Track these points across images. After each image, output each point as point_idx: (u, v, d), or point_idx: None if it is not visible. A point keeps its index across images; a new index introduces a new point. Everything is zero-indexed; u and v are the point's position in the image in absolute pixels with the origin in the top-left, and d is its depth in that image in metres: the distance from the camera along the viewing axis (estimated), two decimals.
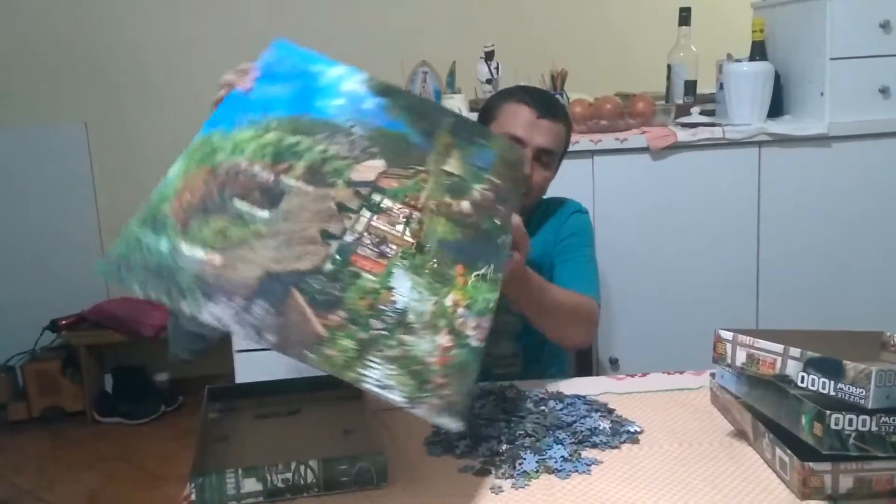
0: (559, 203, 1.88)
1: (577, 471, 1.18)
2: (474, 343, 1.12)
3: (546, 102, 1.74)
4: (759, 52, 2.60)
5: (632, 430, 1.30)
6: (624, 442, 1.27)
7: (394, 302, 1.14)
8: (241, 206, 1.20)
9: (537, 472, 1.18)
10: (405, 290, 1.15)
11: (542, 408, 1.38)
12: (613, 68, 3.56)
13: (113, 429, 3.57)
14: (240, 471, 1.14)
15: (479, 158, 1.39)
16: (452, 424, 1.03)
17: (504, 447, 1.25)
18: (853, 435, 1.07)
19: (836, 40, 2.52)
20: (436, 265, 1.19)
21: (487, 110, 1.80)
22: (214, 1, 3.70)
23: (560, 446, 1.24)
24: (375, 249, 1.19)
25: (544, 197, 1.81)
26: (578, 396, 1.44)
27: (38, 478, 3.18)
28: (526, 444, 1.25)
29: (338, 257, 1.16)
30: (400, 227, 1.23)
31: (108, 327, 3.59)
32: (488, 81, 2.68)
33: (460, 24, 3.66)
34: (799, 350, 1.13)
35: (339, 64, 1.47)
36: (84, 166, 3.75)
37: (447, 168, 1.34)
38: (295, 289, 1.11)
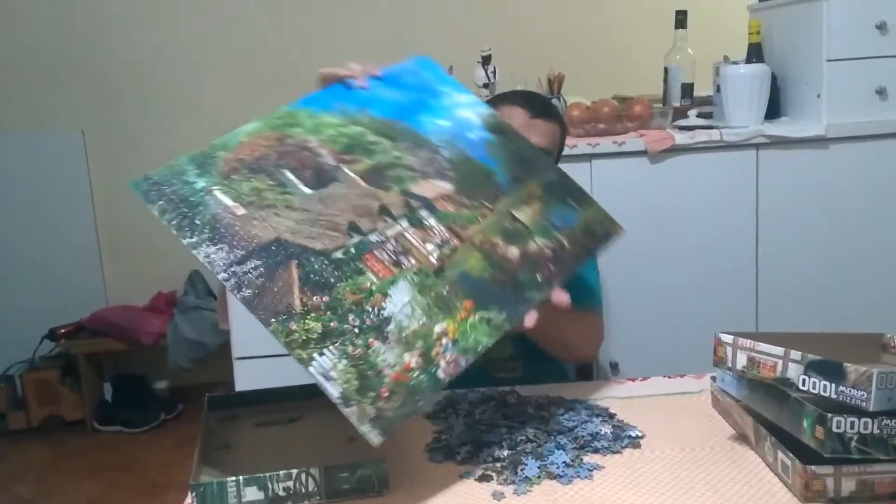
0: None
1: (579, 476, 1.18)
2: (440, 375, 1.10)
3: (540, 104, 1.77)
4: (755, 54, 2.60)
5: (633, 434, 1.30)
6: (626, 447, 1.27)
7: (382, 308, 1.13)
8: (288, 175, 1.23)
9: (539, 477, 1.18)
10: (399, 301, 1.14)
11: (544, 413, 1.38)
12: (610, 71, 3.57)
13: (113, 437, 3.57)
14: (241, 479, 1.13)
15: (559, 217, 1.35)
16: (374, 438, 1.02)
17: (505, 453, 1.25)
18: (855, 438, 1.06)
19: (833, 42, 2.52)
20: (445, 292, 1.17)
21: None
22: (212, 7, 3.71)
23: (562, 452, 1.24)
24: (393, 257, 1.19)
25: None
26: (579, 401, 1.43)
27: (39, 487, 3.18)
28: (527, 450, 1.25)
29: (352, 250, 1.17)
30: (430, 247, 1.22)
31: (107, 335, 3.59)
32: (485, 85, 2.68)
33: (457, 28, 3.66)
34: (800, 353, 1.13)
35: (470, 93, 1.48)
36: (81, 173, 3.75)
37: (517, 214, 1.31)
38: (294, 262, 1.13)
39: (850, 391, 1.07)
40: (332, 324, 1.09)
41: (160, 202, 1.17)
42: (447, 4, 3.75)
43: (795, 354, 1.14)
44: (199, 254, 1.12)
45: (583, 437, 1.29)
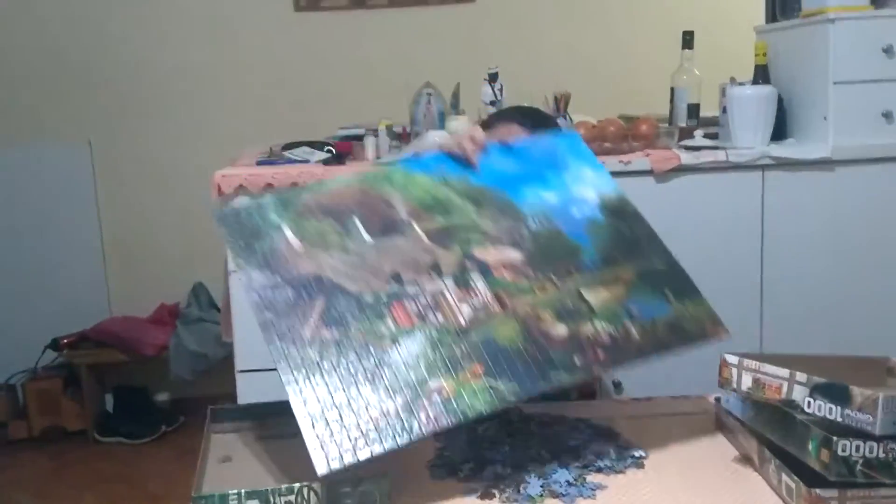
0: None
1: (581, 495, 1.18)
2: (414, 427, 1.10)
3: (536, 119, 1.79)
4: (762, 75, 2.61)
5: (637, 454, 1.30)
6: (629, 467, 1.27)
7: (387, 353, 1.16)
8: (356, 223, 1.30)
9: (542, 496, 1.17)
10: (407, 351, 1.17)
11: (547, 431, 1.38)
12: (617, 91, 3.58)
13: (114, 448, 3.56)
14: (242, 493, 1.13)
15: (641, 306, 1.30)
16: (320, 466, 1.06)
17: (508, 471, 1.24)
18: (860, 462, 1.06)
19: (839, 64, 2.53)
20: (458, 352, 1.18)
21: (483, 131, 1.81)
22: (219, 22, 3.73)
23: (565, 470, 1.23)
24: (420, 310, 1.21)
25: None
26: (582, 420, 1.43)
27: (39, 497, 3.17)
28: (530, 468, 1.25)
29: (383, 297, 1.21)
30: (465, 308, 1.23)
31: (109, 346, 3.59)
32: (492, 103, 2.68)
33: (465, 47, 3.68)
34: (805, 375, 1.13)
35: (603, 171, 1.50)
36: (87, 185, 3.76)
37: (587, 293, 1.29)
38: (323, 298, 1.18)
39: (855, 414, 1.06)
40: (330, 357, 1.13)
41: (230, 227, 1.27)
42: (455, 22, 3.76)
43: (801, 377, 1.13)
44: (243, 275, 1.21)
45: (586, 456, 1.28)
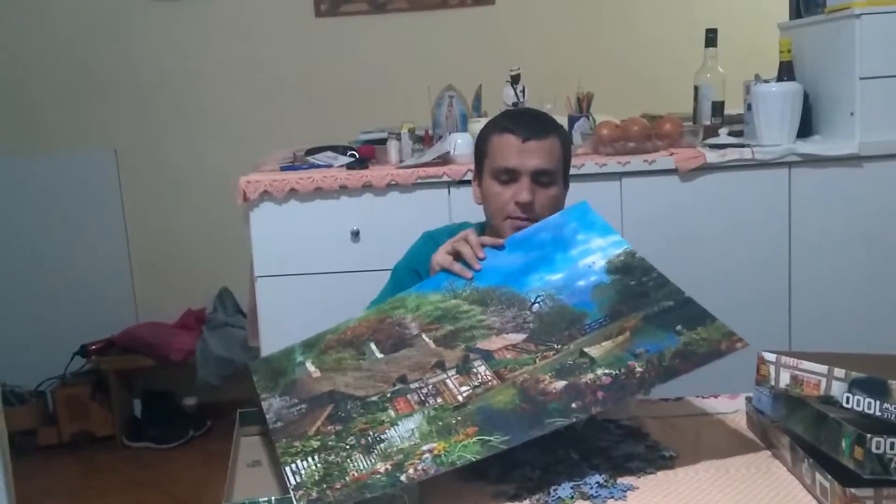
0: None
1: (612, 497, 1.17)
2: (401, 478, 1.12)
3: (529, 124, 1.72)
4: (787, 72, 2.58)
5: (667, 454, 1.29)
6: (659, 468, 1.25)
7: (382, 432, 1.19)
8: (371, 346, 1.38)
9: (572, 498, 1.17)
10: (404, 428, 1.19)
11: (576, 433, 1.37)
12: (640, 90, 3.56)
13: (142, 453, 3.59)
14: (273, 499, 1.13)
15: (646, 344, 1.27)
16: None
17: (538, 473, 1.24)
18: (895, 459, 1.04)
19: (866, 60, 2.50)
20: (453, 421, 1.20)
21: (479, 147, 1.79)
22: (240, 29, 3.75)
23: (595, 472, 1.23)
24: (422, 398, 1.25)
25: None
26: (611, 421, 1.42)
27: (68, 503, 3.19)
28: (560, 470, 1.24)
29: (388, 395, 1.26)
30: (464, 389, 1.26)
31: (137, 352, 3.62)
32: (514, 105, 2.68)
33: (486, 48, 3.67)
34: (843, 370, 1.12)
35: (613, 233, 1.50)
36: (114, 193, 3.79)
37: (589, 350, 1.28)
38: (332, 405, 1.26)
39: (894, 408, 1.05)
40: (329, 442, 1.18)
41: (260, 372, 1.39)
42: (476, 24, 3.76)
43: (839, 372, 1.12)
44: (265, 403, 1.31)
45: (616, 457, 1.27)
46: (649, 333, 1.29)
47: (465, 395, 1.24)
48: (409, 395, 1.25)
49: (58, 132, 3.76)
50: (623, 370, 1.23)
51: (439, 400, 1.23)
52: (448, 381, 1.27)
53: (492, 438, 1.15)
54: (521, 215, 1.68)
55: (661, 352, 1.25)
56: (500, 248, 1.54)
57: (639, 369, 1.23)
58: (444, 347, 1.34)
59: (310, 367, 1.37)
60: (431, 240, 1.83)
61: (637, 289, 1.39)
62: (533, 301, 1.40)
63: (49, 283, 3.77)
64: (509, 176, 1.69)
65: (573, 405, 1.20)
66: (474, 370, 1.28)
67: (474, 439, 1.15)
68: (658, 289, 1.39)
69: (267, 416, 1.28)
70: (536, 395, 1.22)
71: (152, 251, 3.82)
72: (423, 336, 1.37)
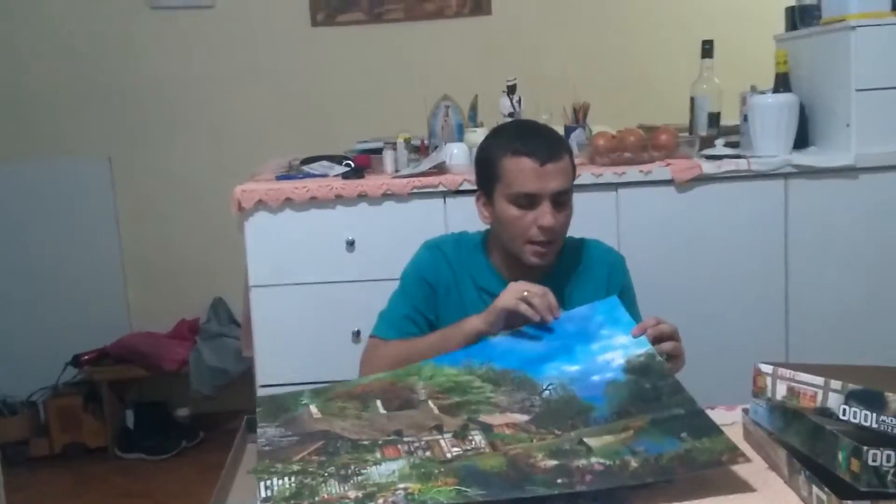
0: (587, 245, 1.86)
1: None
2: None
3: (544, 145, 1.70)
4: (783, 83, 2.59)
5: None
6: (655, 480, 1.24)
7: (363, 467, 1.19)
8: (376, 403, 1.39)
9: None
10: (386, 468, 1.19)
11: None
12: (636, 101, 3.57)
13: (134, 465, 3.57)
14: None
15: (647, 445, 1.24)
16: None
17: None
18: (892, 471, 1.04)
19: (861, 71, 2.50)
20: (435, 472, 1.19)
21: (487, 168, 1.75)
22: (237, 38, 3.75)
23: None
24: (410, 450, 1.25)
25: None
26: None
27: None
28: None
29: (379, 442, 1.27)
30: (456, 450, 1.25)
31: (130, 362, 3.60)
32: (510, 115, 2.68)
33: (482, 59, 3.68)
34: (840, 382, 1.11)
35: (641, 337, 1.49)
36: (107, 201, 3.78)
37: (588, 441, 1.26)
38: (322, 441, 1.27)
39: (891, 420, 1.05)
40: (309, 469, 1.19)
41: (265, 406, 1.40)
42: (473, 34, 3.77)
43: (836, 384, 1.12)
44: (260, 430, 1.32)
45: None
46: (653, 436, 1.27)
47: (454, 454, 1.24)
48: (399, 445, 1.26)
49: (52, 139, 3.75)
50: (618, 462, 1.21)
51: (428, 454, 1.24)
52: (442, 441, 1.27)
53: (469, 490, 1.14)
54: (542, 239, 1.69)
55: (661, 453, 1.22)
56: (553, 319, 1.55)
57: (634, 464, 1.20)
58: (446, 414, 1.35)
59: (313, 409, 1.38)
60: (437, 249, 1.83)
61: (651, 393, 1.38)
62: (544, 388, 1.41)
63: (41, 292, 3.75)
64: (528, 200, 1.68)
65: (559, 480, 1.17)
66: (470, 437, 1.28)
67: (451, 488, 1.14)
68: (671, 395, 1.37)
69: (258, 441, 1.29)
70: (524, 465, 1.20)
71: (146, 260, 3.81)
72: (430, 402, 1.39)
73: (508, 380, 1.44)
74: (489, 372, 1.46)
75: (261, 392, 2.43)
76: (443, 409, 1.37)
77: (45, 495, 3.32)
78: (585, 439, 1.26)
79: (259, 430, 1.32)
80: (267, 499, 1.13)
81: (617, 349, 1.47)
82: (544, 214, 1.67)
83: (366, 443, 1.26)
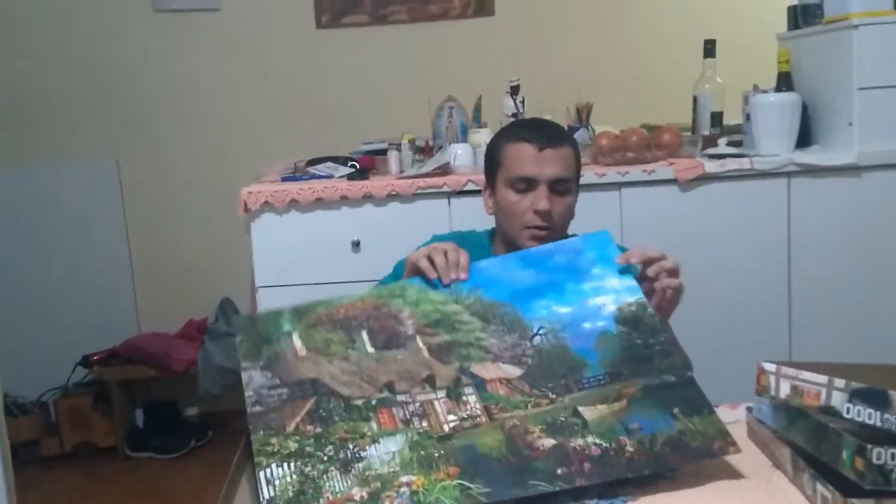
0: None
1: None
2: None
3: (544, 132, 1.73)
4: (785, 82, 2.60)
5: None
6: (659, 479, 1.26)
7: (363, 449, 1.18)
8: (362, 335, 1.35)
9: None
10: (385, 449, 1.18)
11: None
12: (639, 100, 3.57)
13: (144, 464, 3.59)
14: None
15: (642, 421, 1.25)
16: None
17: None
18: None
19: (864, 70, 2.51)
20: (436, 454, 1.19)
21: (492, 156, 1.78)
22: (242, 40, 3.76)
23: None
24: (406, 416, 1.24)
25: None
26: None
27: None
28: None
29: (372, 402, 1.25)
30: (451, 417, 1.24)
31: (139, 362, 3.62)
32: (514, 115, 2.69)
33: (486, 59, 3.69)
34: (844, 381, 1.12)
35: (629, 277, 1.47)
36: (115, 203, 3.80)
37: (583, 410, 1.26)
38: (314, 398, 1.24)
39: (895, 419, 1.05)
40: (307, 448, 1.17)
41: (244, 331, 1.36)
42: (477, 35, 3.78)
43: (839, 382, 1.13)
44: (245, 374, 1.27)
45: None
46: (645, 407, 1.28)
47: (451, 425, 1.23)
48: (394, 409, 1.25)
49: (59, 142, 3.77)
50: (613, 445, 1.22)
51: (424, 424, 1.23)
52: (436, 402, 1.26)
53: (472, 487, 1.14)
54: (539, 224, 1.69)
55: (654, 434, 1.24)
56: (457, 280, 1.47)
57: (629, 448, 1.22)
58: (436, 360, 1.33)
59: (296, 341, 1.33)
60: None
61: (642, 350, 1.37)
62: (535, 332, 1.38)
63: (51, 293, 3.77)
64: (526, 184, 1.70)
65: (558, 471, 1.18)
66: (464, 398, 1.27)
67: (455, 482, 1.15)
68: (663, 357, 1.37)
69: (246, 393, 1.26)
70: (523, 447, 1.21)
71: (154, 261, 3.83)
72: (418, 340, 1.35)
73: (498, 316, 1.40)
74: (477, 303, 1.42)
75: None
76: (433, 352, 1.34)
77: (56, 494, 3.35)
78: (580, 409, 1.27)
79: (244, 375, 1.29)
80: (271, 501, 1.12)
81: (608, 293, 1.45)
82: (540, 199, 1.68)
83: (358, 403, 1.24)
